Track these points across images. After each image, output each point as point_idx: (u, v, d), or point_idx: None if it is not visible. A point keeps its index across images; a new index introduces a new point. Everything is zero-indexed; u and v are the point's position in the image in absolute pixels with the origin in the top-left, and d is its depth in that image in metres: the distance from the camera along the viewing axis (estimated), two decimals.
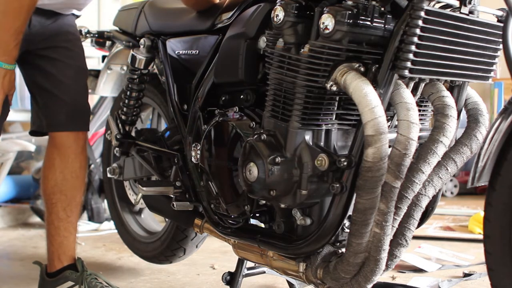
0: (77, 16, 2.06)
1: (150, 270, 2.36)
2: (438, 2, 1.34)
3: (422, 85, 1.35)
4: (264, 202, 1.49)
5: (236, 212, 1.57)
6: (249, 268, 1.79)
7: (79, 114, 1.97)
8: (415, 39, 1.22)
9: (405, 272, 2.30)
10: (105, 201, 2.68)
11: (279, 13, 1.35)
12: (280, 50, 1.36)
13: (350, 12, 1.25)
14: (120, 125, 2.11)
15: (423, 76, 1.29)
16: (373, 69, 1.27)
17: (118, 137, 2.08)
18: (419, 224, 1.42)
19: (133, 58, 1.99)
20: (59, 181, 1.94)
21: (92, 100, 3.77)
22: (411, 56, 1.23)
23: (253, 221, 1.62)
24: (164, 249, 2.15)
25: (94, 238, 3.03)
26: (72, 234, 1.98)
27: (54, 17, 1.93)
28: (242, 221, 1.58)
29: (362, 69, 1.27)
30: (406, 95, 1.26)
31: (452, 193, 4.44)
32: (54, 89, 1.92)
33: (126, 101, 2.11)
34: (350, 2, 1.28)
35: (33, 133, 2.01)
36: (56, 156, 1.94)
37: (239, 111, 1.55)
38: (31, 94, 1.98)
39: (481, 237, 1.23)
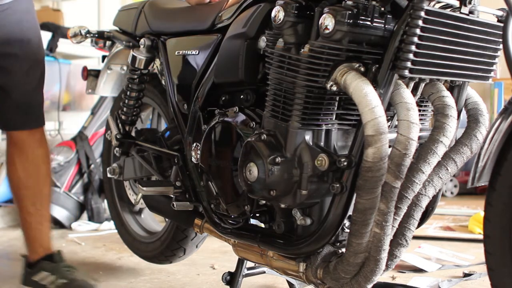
0: None
1: (150, 270, 2.36)
2: (438, 2, 1.34)
3: (422, 85, 1.35)
4: (264, 202, 1.49)
5: (236, 212, 1.57)
6: (249, 268, 1.79)
7: (31, 111, 1.95)
8: (415, 39, 1.22)
9: (405, 272, 2.30)
10: (105, 201, 2.68)
11: (279, 13, 1.35)
12: (280, 50, 1.36)
13: (350, 12, 1.25)
14: (120, 125, 2.11)
15: (423, 76, 1.29)
16: (373, 69, 1.27)
17: (118, 137, 2.08)
18: (419, 224, 1.42)
19: (133, 58, 1.99)
20: (23, 177, 1.94)
21: (92, 100, 3.78)
22: (411, 56, 1.23)
23: (253, 221, 1.62)
24: (164, 249, 2.15)
25: (94, 238, 3.03)
26: (45, 225, 2.00)
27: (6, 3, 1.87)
28: (242, 221, 1.58)
29: (362, 69, 1.27)
30: (406, 95, 1.26)
31: (452, 193, 4.44)
32: (5, 86, 1.89)
33: (126, 101, 2.11)
34: (350, 2, 1.28)
35: None
36: (15, 153, 1.95)
37: (239, 111, 1.55)
38: None
39: (481, 237, 1.23)
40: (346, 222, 1.40)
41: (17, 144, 1.94)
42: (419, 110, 1.38)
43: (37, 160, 1.96)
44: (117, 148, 2.10)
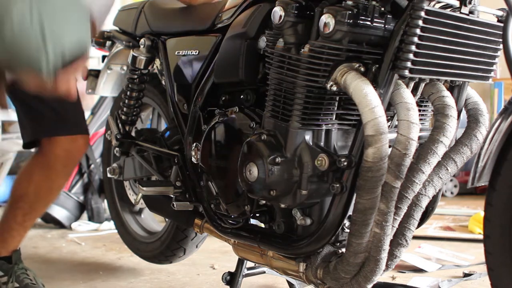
0: None
1: (150, 270, 2.36)
2: (438, 2, 1.34)
3: (422, 85, 1.35)
4: (264, 202, 1.49)
5: (236, 212, 1.57)
6: (249, 268, 1.79)
7: (67, 118, 1.89)
8: (415, 39, 1.22)
9: (405, 272, 2.30)
10: (105, 201, 2.68)
11: (279, 13, 1.35)
12: (280, 50, 1.36)
13: (350, 12, 1.25)
14: (120, 125, 2.10)
15: (423, 76, 1.29)
16: (373, 69, 1.27)
17: (118, 137, 2.08)
18: (419, 224, 1.42)
19: (133, 58, 1.99)
20: (31, 194, 1.90)
21: (92, 100, 3.77)
22: (411, 56, 1.23)
23: (253, 221, 1.62)
24: (164, 249, 2.15)
25: (94, 238, 3.03)
26: (21, 235, 1.98)
27: None
28: (242, 221, 1.58)
29: (362, 69, 1.27)
30: (406, 95, 1.26)
31: (452, 193, 4.44)
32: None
33: (126, 101, 2.11)
34: (350, 2, 1.27)
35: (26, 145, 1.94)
36: (38, 168, 1.89)
37: (239, 111, 1.55)
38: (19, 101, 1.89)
39: (481, 237, 1.23)
40: (346, 222, 1.40)
41: (48, 167, 1.87)
42: (419, 110, 1.38)
43: (55, 188, 1.92)
44: (117, 148, 2.10)
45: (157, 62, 1.97)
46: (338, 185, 1.29)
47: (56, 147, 1.88)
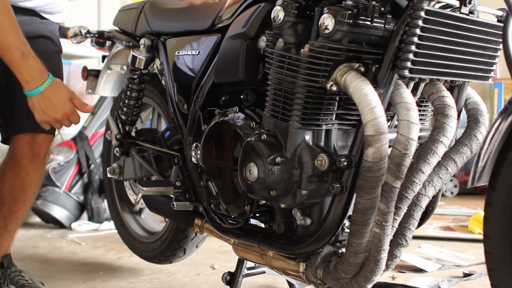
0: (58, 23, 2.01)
1: (150, 270, 2.36)
2: (438, 2, 1.34)
3: (422, 85, 1.35)
4: (264, 202, 1.49)
5: (236, 212, 1.57)
6: (249, 268, 1.79)
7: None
8: (415, 39, 1.22)
9: (405, 272, 2.30)
10: (105, 201, 2.68)
11: (279, 13, 1.35)
12: (280, 50, 1.36)
13: (350, 12, 1.25)
14: (120, 125, 2.10)
15: (423, 76, 1.29)
16: (373, 69, 1.27)
17: (118, 137, 2.08)
18: (419, 224, 1.42)
19: (133, 58, 1.99)
20: (6, 195, 1.90)
21: (92, 100, 3.77)
22: (411, 56, 1.23)
23: (253, 221, 1.62)
24: (164, 249, 2.15)
25: (94, 238, 3.04)
26: (7, 240, 1.97)
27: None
28: (242, 221, 1.58)
29: (362, 69, 1.27)
30: (406, 95, 1.26)
31: (452, 193, 4.44)
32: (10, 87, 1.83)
33: (126, 101, 2.11)
34: (350, 2, 1.27)
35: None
36: (8, 169, 1.89)
37: (239, 111, 1.55)
38: None
39: (481, 237, 1.23)
40: (346, 222, 1.40)
41: (15, 163, 1.88)
42: (419, 110, 1.39)
43: (27, 185, 1.91)
44: (117, 148, 2.10)
45: (157, 62, 1.97)
46: (338, 185, 1.29)
47: (19, 144, 1.89)
